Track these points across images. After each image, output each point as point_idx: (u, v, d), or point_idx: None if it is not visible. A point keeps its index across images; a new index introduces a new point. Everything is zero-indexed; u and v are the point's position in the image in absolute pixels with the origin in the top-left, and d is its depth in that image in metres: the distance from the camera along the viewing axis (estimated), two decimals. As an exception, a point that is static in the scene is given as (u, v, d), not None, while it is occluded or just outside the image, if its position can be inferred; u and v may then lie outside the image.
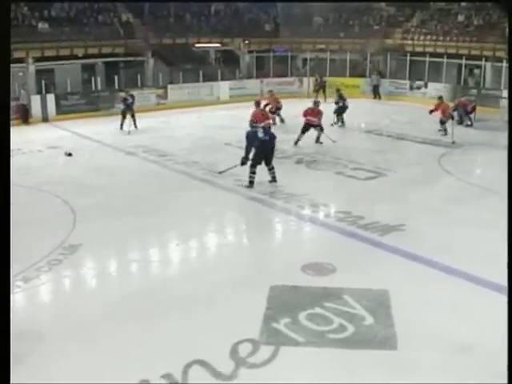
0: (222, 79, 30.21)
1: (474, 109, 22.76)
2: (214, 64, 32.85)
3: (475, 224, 11.29)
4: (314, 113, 19.00)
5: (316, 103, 19.52)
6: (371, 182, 14.66)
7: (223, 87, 29.97)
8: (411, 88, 30.38)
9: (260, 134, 13.76)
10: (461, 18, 30.84)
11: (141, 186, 14.24)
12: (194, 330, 7.37)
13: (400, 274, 9.12)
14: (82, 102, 25.93)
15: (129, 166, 16.64)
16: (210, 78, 29.74)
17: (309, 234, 11.76)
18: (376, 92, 30.84)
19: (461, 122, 22.03)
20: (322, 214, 12.31)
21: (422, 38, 31.19)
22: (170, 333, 7.31)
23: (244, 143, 13.91)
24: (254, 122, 19.27)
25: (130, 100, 21.62)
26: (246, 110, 19.61)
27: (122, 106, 21.91)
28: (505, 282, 8.49)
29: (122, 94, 22.60)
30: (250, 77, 32.12)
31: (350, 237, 10.83)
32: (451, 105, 22.15)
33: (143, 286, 8.97)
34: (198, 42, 30.98)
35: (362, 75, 31.98)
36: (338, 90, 23.50)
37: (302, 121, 19.02)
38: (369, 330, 7.40)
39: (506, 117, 21.79)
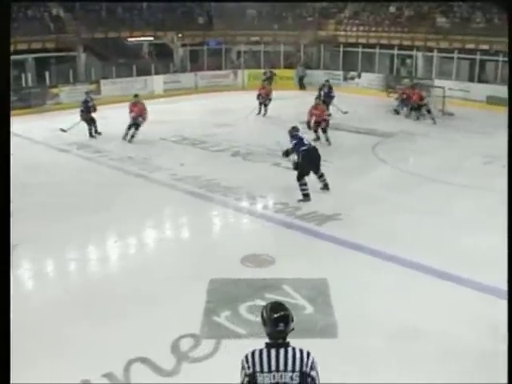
0: (156, 73, 29.85)
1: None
2: (147, 58, 32.41)
3: (413, 211, 11.52)
4: (323, 112, 18.46)
5: (317, 99, 19.20)
6: (308, 172, 14.75)
7: (157, 81, 29.64)
8: (345, 78, 30.67)
9: (306, 142, 12.58)
10: (392, 9, 31.25)
11: (76, 184, 13.96)
12: (134, 327, 7.31)
13: (338, 262, 9.24)
14: (13, 99, 25.22)
15: (63, 163, 16.30)
16: (143, 72, 29.33)
17: (247, 226, 11.79)
18: (301, 83, 31.07)
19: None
20: (260, 206, 12.38)
21: (354, 29, 31.48)
22: (110, 331, 7.24)
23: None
24: (137, 117, 18.92)
25: (92, 103, 19.81)
26: (181, 104, 19.49)
27: (83, 110, 19.47)
28: (444, 267, 8.78)
29: (83, 97, 20.17)
30: (184, 70, 31.84)
31: (288, 227, 10.94)
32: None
33: (82, 285, 8.87)
34: (131, 36, 30.51)
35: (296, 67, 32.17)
36: (327, 81, 23.62)
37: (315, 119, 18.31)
38: (309, 319, 7.49)
39: (439, 106, 22.35)
